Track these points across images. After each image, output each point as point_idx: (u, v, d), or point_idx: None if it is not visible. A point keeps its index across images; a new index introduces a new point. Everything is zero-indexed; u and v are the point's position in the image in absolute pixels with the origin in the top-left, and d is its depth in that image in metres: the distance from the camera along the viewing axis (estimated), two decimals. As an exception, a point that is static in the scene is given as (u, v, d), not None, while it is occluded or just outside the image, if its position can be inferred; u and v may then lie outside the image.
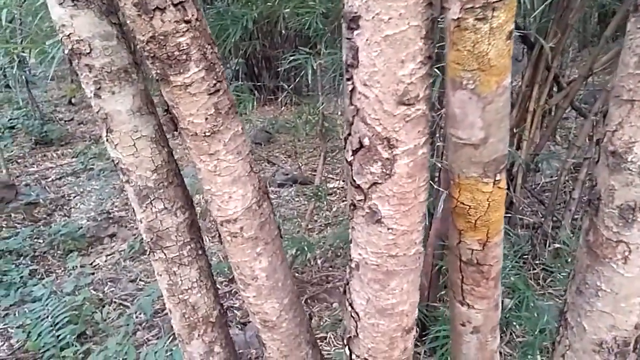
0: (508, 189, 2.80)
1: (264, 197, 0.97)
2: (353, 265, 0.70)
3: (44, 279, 3.31)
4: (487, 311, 0.69)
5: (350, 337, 0.77)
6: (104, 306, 2.97)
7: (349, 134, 0.59)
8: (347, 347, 0.78)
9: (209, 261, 1.29)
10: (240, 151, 0.90)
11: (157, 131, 1.09)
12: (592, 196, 0.92)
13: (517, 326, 2.38)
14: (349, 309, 0.74)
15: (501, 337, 2.41)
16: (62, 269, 3.51)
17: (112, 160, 1.13)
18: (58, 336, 2.52)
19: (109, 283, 3.33)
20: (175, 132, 0.92)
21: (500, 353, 2.32)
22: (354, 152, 0.59)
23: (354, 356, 0.78)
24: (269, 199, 1.00)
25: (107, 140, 1.08)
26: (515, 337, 2.36)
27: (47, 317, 2.67)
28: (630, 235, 0.85)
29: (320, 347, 1.21)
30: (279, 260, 1.01)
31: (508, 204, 2.89)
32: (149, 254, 1.22)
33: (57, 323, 2.60)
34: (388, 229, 0.63)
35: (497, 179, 0.57)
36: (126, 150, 1.07)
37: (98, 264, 3.65)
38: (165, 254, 1.18)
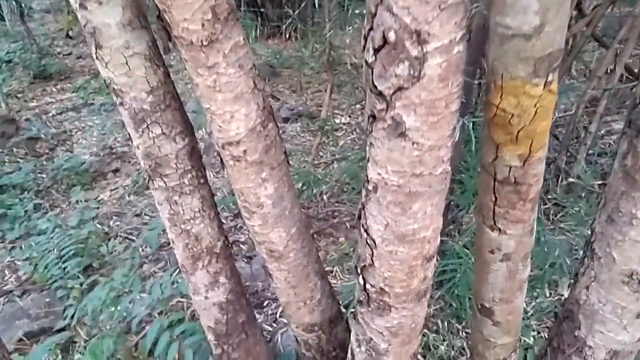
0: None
1: (269, 117, 0.88)
2: (370, 187, 0.62)
3: (48, 212, 3.29)
4: (521, 237, 0.62)
5: (364, 265, 0.70)
6: (109, 240, 2.96)
7: (371, 29, 0.49)
8: (360, 276, 0.72)
9: (212, 192, 1.23)
10: (242, 65, 0.81)
11: (151, 48, 0.99)
12: (633, 116, 0.83)
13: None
14: (364, 235, 0.67)
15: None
16: (67, 203, 3.49)
17: (104, 81, 1.04)
18: (64, 268, 2.52)
19: (114, 217, 3.32)
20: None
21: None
22: (376, 50, 0.50)
23: (368, 286, 0.72)
24: (275, 121, 0.91)
25: (96, 57, 0.98)
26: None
27: (53, 249, 2.66)
28: (676, 158, 0.76)
29: (332, 286, 1.17)
30: (286, 187, 0.94)
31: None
32: (148, 183, 1.15)
33: (63, 256, 2.60)
34: (413, 143, 0.54)
35: (549, 79, 0.48)
36: (118, 69, 0.97)
37: (102, 198, 3.62)
38: (165, 182, 1.11)
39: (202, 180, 1.17)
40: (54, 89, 5.63)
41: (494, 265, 0.67)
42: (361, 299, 0.76)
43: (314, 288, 1.06)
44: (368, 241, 0.67)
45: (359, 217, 0.69)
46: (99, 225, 3.21)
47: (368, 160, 0.62)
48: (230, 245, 1.29)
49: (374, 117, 0.56)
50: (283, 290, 1.05)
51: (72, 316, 2.15)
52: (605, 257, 0.90)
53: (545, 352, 1.07)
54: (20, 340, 2.24)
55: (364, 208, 0.66)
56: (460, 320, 2.13)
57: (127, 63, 0.97)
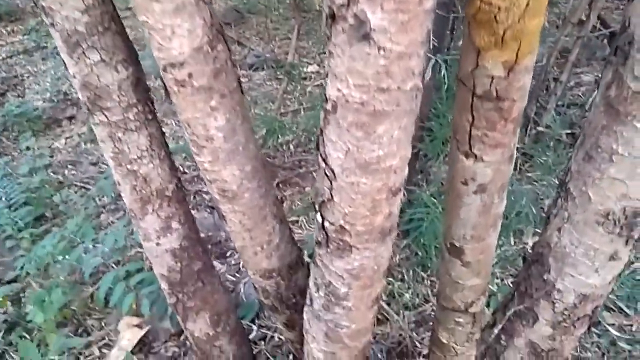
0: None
1: (218, 37, 0.77)
2: (329, 107, 0.54)
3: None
4: (499, 164, 0.55)
5: (323, 201, 0.62)
6: (63, 189, 2.81)
7: None
8: (318, 213, 0.65)
9: (162, 129, 1.12)
10: (185, -31, 0.69)
11: (83, -42, 0.85)
12: (621, 41, 0.75)
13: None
14: (323, 165, 0.59)
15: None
16: (17, 151, 3.29)
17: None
18: (14, 218, 2.38)
19: (68, 166, 3.15)
20: None
21: (474, 236, 2.29)
22: None
23: (327, 224, 0.64)
24: (226, 43, 0.80)
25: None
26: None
27: (2, 198, 2.51)
28: (664, 86, 0.70)
29: (293, 231, 1.09)
30: (239, 119, 0.84)
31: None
32: (88, 117, 1.04)
33: (13, 205, 2.45)
34: (379, 49, 0.45)
35: (544, -39, 0.39)
36: (45, -19, 0.84)
37: (57, 147, 3.43)
38: (106, 117, 0.99)
39: (149, 116, 1.06)
40: (4, 31, 5.24)
41: (467, 198, 0.60)
42: (319, 239, 0.68)
43: (272, 232, 0.99)
44: (327, 172, 0.59)
45: (317, 146, 0.60)
46: (52, 174, 3.04)
47: (327, 76, 0.53)
48: (182, 187, 1.19)
49: (333, 16, 0.46)
50: (238, 233, 0.97)
51: (22, 267, 2.04)
52: (580, 196, 0.85)
53: (512, 297, 1.03)
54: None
55: (322, 133, 0.58)
56: (425, 269, 2.12)
57: (54, -26, 0.83)
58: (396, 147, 0.55)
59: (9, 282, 2.19)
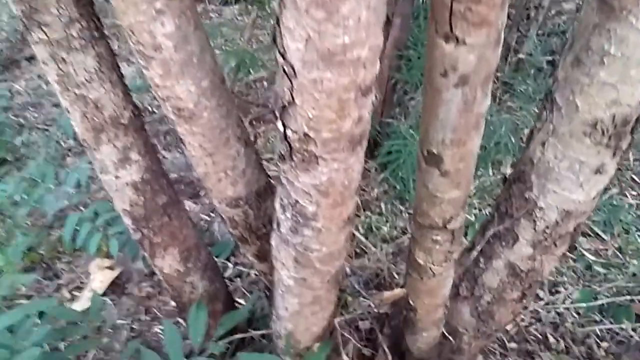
0: None
1: None
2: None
3: (-50, 103, 2.92)
4: (484, 48, 0.48)
5: (283, 106, 0.55)
6: (24, 132, 2.67)
7: None
8: (279, 121, 0.57)
9: (112, 50, 1.01)
10: None
11: None
12: None
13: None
14: (281, 61, 0.51)
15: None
16: (-26, 94, 3.10)
17: None
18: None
19: (29, 108, 2.99)
20: None
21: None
22: None
23: (289, 133, 0.57)
24: None
25: None
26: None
27: (-43, 143, 2.37)
28: (665, -27, 0.62)
29: (266, 169, 1.01)
30: (191, 25, 0.74)
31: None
32: (25, 35, 0.92)
33: (-31, 148, 2.32)
34: None
35: None
36: None
37: (17, 89, 3.25)
38: (46, 34, 0.88)
39: (96, 34, 0.94)
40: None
41: (446, 94, 0.53)
42: (282, 151, 0.61)
43: (236, 156, 0.91)
44: (286, 69, 0.51)
45: (273, 39, 0.51)
46: (13, 117, 2.88)
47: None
48: (140, 115, 1.09)
49: None
50: (199, 159, 0.89)
51: (-17, 211, 1.94)
52: (567, 106, 0.79)
53: (492, 219, 0.99)
54: None
55: (278, 23, 0.49)
56: (403, 202, 2.08)
57: None
58: (364, 34, 0.47)
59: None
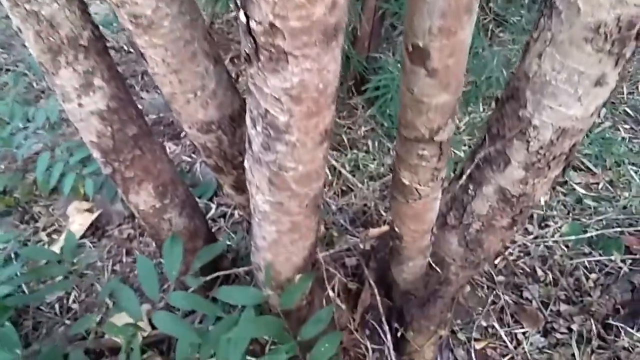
0: None
1: None
2: None
3: None
4: None
5: (245, -8, 0.47)
6: (-6, 73, 2.54)
7: None
8: (241, 11, 0.49)
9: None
10: None
11: None
12: None
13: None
14: None
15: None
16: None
17: None
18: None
19: (-1, 49, 2.84)
20: None
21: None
22: None
23: (253, 24, 0.49)
24: None
25: None
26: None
27: None
28: None
29: (233, 78, 0.93)
30: None
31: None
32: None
33: None
34: None
35: None
36: None
37: (-16, 29, 3.07)
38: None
39: (44, -62, 0.84)
40: None
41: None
42: (247, 50, 0.53)
43: (204, 74, 0.83)
44: (244, -61, 0.42)
45: None
46: (-20, 58, 2.74)
47: None
48: (102, 37, 1.00)
49: None
50: (163, 77, 0.81)
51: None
52: (567, 9, 0.71)
53: (482, 142, 0.93)
54: None
55: None
56: (391, 139, 2.02)
57: None
58: None
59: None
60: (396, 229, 0.92)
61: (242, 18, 0.50)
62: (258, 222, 0.83)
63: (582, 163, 1.83)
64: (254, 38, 0.51)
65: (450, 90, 0.58)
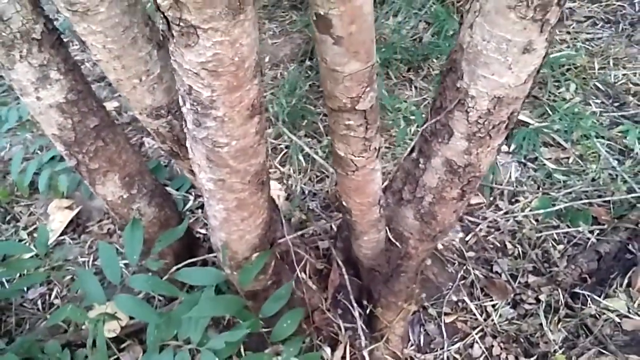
0: None
1: None
2: None
3: None
4: None
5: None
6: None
7: None
8: (149, -12, 0.51)
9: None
10: None
11: None
12: None
13: (435, 60, 2.22)
14: None
15: (418, 71, 2.27)
16: None
17: None
18: None
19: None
20: None
21: (416, 87, 2.20)
22: None
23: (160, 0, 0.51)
24: None
25: None
26: (432, 70, 2.22)
27: None
28: None
29: None
30: None
31: None
32: None
33: None
34: None
35: None
36: None
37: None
38: None
39: None
40: None
41: None
42: (162, 27, 0.55)
43: (148, 59, 0.85)
44: None
45: None
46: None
47: None
48: (55, 30, 1.02)
49: None
50: (107, 63, 0.82)
51: None
52: (491, -21, 0.73)
53: (429, 116, 0.95)
54: None
55: None
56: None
57: None
58: None
59: None
60: (344, 203, 0.94)
61: (150, -5, 0.52)
62: (207, 201, 0.85)
63: (553, 139, 1.85)
64: (163, 13, 0.53)
65: (360, 58, 0.60)
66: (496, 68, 0.79)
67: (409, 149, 1.03)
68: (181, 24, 0.52)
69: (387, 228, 1.07)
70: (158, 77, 0.88)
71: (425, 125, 0.94)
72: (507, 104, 0.84)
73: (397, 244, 1.09)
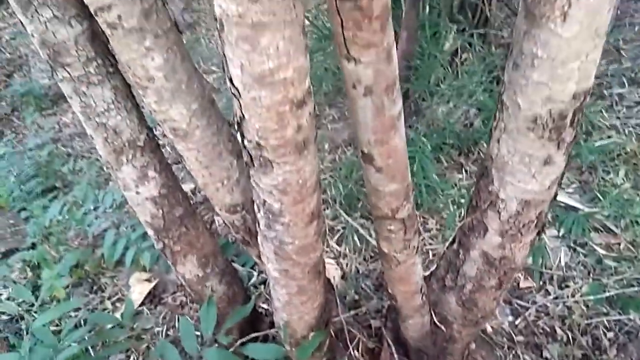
0: (483, 3, 2.58)
1: (143, -22, 0.81)
2: (219, 25, 0.57)
3: (8, 138, 3.23)
4: (377, 64, 0.58)
5: (238, 121, 0.67)
6: (71, 160, 2.93)
7: None
8: (238, 133, 0.69)
9: (127, 82, 1.16)
10: None
11: None
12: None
13: (485, 144, 2.34)
14: (229, 85, 0.63)
15: (468, 155, 2.40)
16: (27, 129, 3.41)
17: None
18: (28, 190, 2.51)
19: (76, 138, 3.26)
20: None
21: (467, 171, 2.32)
22: None
23: (246, 142, 0.69)
24: (154, -16, 0.84)
25: None
26: (483, 155, 2.33)
27: (14, 173, 2.63)
28: (571, -16, 0.71)
29: None
30: (178, 57, 0.88)
31: (483, 21, 2.68)
32: (52, 74, 1.09)
33: (24, 178, 2.57)
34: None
35: None
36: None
37: (64, 121, 3.54)
38: (68, 73, 1.04)
39: (111, 69, 1.10)
40: (5, 14, 5.32)
41: (359, 102, 0.64)
42: (246, 159, 0.73)
43: (230, 167, 1.04)
44: (233, 91, 0.63)
45: (223, 68, 0.64)
46: (62, 147, 3.16)
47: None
48: (154, 137, 1.25)
49: None
50: (197, 171, 1.03)
51: (34, 234, 2.16)
52: (512, 105, 0.88)
53: (466, 213, 1.07)
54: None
55: (224, 55, 0.62)
56: (417, 207, 2.16)
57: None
58: (286, 59, 0.58)
59: (27, 249, 2.33)
60: (390, 291, 1.06)
61: (239, 138, 0.70)
62: (273, 286, 1.00)
63: (603, 224, 1.88)
64: (248, 151, 0.71)
65: (397, 181, 0.75)
66: (521, 177, 0.92)
67: (450, 240, 1.15)
68: (261, 159, 0.70)
69: (432, 312, 1.17)
70: (236, 181, 1.07)
71: (463, 222, 1.06)
72: (535, 206, 0.95)
73: (442, 327, 1.18)
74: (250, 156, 0.71)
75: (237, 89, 0.63)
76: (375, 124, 0.65)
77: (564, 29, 0.75)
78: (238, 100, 0.64)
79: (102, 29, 0.84)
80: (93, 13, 0.81)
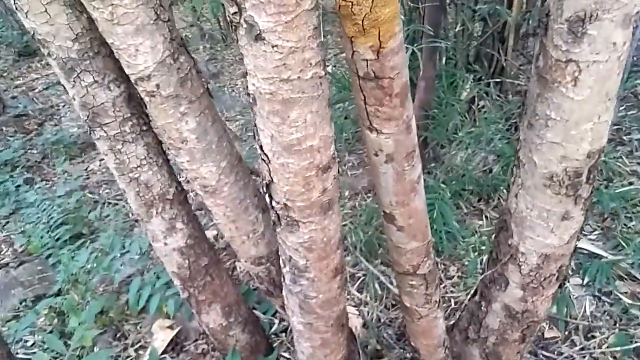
0: (498, 52, 2.64)
1: (179, 50, 0.88)
2: (251, 99, 0.63)
3: (38, 186, 3.34)
4: (398, 135, 0.62)
5: (267, 183, 0.72)
6: (98, 207, 3.01)
7: None
8: (267, 195, 0.74)
9: (159, 138, 1.23)
10: (139, -6, 0.80)
11: (70, -6, 0.98)
12: (542, 14, 0.81)
13: (505, 190, 2.36)
14: (260, 152, 0.68)
15: (488, 201, 2.41)
16: (57, 176, 3.53)
17: (30, 33, 1.04)
18: (57, 237, 2.58)
19: (103, 185, 3.36)
20: None
21: (487, 217, 2.32)
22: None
23: (274, 203, 0.73)
24: (189, 53, 0.91)
25: (16, 8, 0.98)
26: (502, 201, 2.34)
27: (44, 220, 2.72)
28: (580, 52, 0.75)
29: None
30: (209, 120, 0.94)
31: (499, 70, 2.74)
32: (89, 134, 1.16)
33: (53, 225, 2.65)
34: (272, 46, 0.54)
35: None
36: (39, 18, 0.97)
37: (92, 169, 3.66)
38: (105, 132, 1.11)
39: (144, 128, 1.17)
40: (39, 65, 5.59)
41: (381, 168, 0.68)
42: (273, 218, 0.77)
43: (255, 221, 1.08)
44: (263, 157, 0.68)
45: (254, 136, 0.69)
46: (89, 194, 3.25)
47: (246, 74, 0.62)
48: (183, 190, 1.30)
49: (232, 23, 0.55)
50: (224, 225, 1.07)
51: (62, 281, 2.22)
52: (528, 163, 0.91)
53: (487, 266, 1.09)
54: (18, 308, 2.32)
55: (255, 125, 0.67)
56: (439, 254, 2.16)
57: (46, 11, 0.96)
58: (313, 130, 0.63)
59: (54, 296, 2.38)
60: (412, 343, 1.07)
61: (267, 199, 0.75)
62: (297, 339, 1.02)
63: (628, 272, 1.86)
64: (275, 211, 0.75)
65: (418, 239, 0.78)
66: (540, 231, 0.94)
67: (472, 292, 1.16)
68: (288, 219, 0.74)
69: (455, 365, 1.16)
70: (261, 234, 1.11)
71: (484, 275, 1.08)
72: (555, 260, 0.96)
73: (466, 380, 1.17)
74: (278, 216, 0.75)
75: (266, 155, 0.67)
76: (396, 188, 0.69)
77: (575, 93, 0.78)
78: (267, 165, 0.69)
79: (142, 97, 0.90)
80: (133, 82, 0.87)
